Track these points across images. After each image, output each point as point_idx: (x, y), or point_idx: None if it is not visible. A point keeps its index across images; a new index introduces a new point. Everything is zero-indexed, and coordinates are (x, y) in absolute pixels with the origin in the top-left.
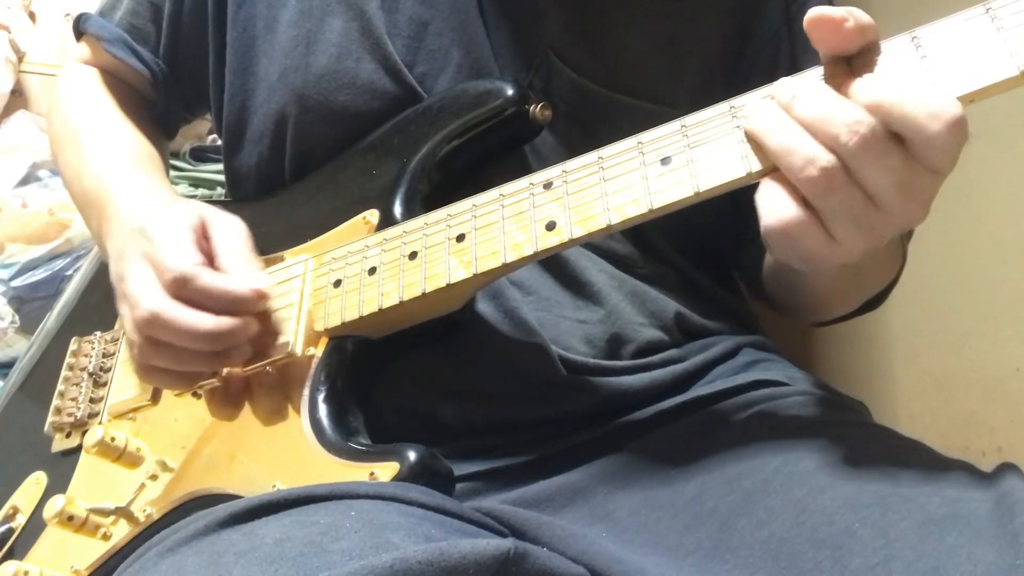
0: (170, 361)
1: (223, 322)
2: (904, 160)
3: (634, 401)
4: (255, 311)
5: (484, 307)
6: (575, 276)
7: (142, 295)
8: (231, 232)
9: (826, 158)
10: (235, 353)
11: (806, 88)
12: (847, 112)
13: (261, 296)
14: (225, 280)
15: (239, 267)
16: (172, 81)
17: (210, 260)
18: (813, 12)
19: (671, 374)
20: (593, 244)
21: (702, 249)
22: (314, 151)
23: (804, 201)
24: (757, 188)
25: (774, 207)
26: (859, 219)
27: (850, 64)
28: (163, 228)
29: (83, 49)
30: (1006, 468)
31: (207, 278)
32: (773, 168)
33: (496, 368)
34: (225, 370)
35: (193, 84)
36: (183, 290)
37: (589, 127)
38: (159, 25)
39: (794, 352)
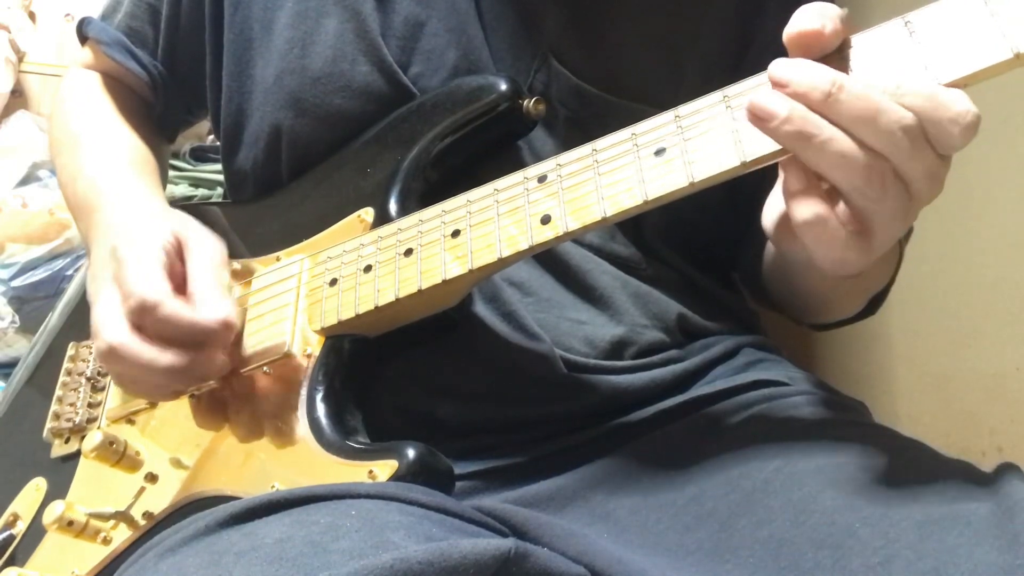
0: (144, 387)
1: (181, 359)
2: (932, 152)
3: (634, 401)
4: (222, 342)
5: (483, 308)
6: (578, 278)
7: (103, 325)
8: (205, 255)
9: (882, 163)
10: (208, 376)
11: (844, 80)
12: (893, 107)
13: (228, 327)
14: (187, 311)
15: (208, 294)
16: (171, 83)
17: (183, 282)
18: (790, 31)
19: (671, 374)
20: (595, 246)
21: (702, 250)
22: (310, 153)
23: (850, 216)
24: (757, 187)
25: (808, 219)
26: (898, 212)
27: (827, 58)
28: (133, 250)
29: (85, 53)
30: (1006, 468)
31: (169, 308)
32: (770, 158)
33: (496, 367)
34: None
35: (192, 86)
36: (144, 319)
37: (588, 130)
38: (157, 28)
39: (794, 352)
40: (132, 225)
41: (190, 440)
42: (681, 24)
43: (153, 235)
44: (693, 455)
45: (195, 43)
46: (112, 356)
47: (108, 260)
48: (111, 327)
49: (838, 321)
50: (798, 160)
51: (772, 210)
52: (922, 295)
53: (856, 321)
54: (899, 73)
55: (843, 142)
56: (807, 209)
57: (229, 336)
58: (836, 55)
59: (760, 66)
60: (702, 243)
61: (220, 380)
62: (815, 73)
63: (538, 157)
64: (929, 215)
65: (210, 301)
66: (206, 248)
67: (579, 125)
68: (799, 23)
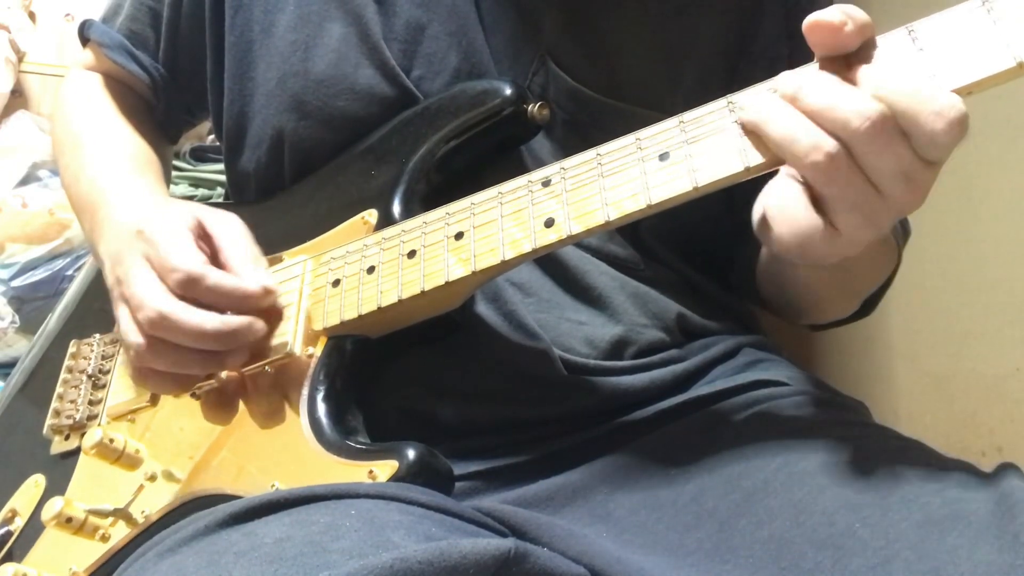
0: (171, 364)
1: (230, 321)
2: (908, 150)
3: (634, 401)
4: (262, 307)
5: (484, 309)
6: (577, 279)
7: (147, 296)
8: (231, 229)
9: (831, 143)
10: (235, 354)
11: (811, 79)
12: (856, 99)
13: (268, 292)
14: (232, 278)
15: (245, 263)
16: (172, 86)
17: (212, 259)
18: (811, 17)
19: (671, 374)
20: (593, 247)
21: (700, 251)
22: (312, 156)
23: (811, 198)
24: (755, 191)
25: (783, 205)
26: (861, 206)
27: (847, 60)
28: (162, 230)
29: (87, 55)
30: (1006, 468)
31: (215, 277)
32: (771, 163)
33: (496, 368)
34: (224, 372)
35: (193, 88)
36: (191, 290)
37: (587, 133)
38: (158, 30)
39: (794, 352)
40: (151, 211)
41: (190, 439)
42: (679, 27)
43: (177, 216)
44: (693, 455)
45: (196, 46)
46: (161, 324)
47: (134, 243)
48: (157, 298)
49: (834, 322)
50: None
51: (758, 205)
52: (922, 295)
53: (851, 322)
54: (883, 72)
55: (788, 120)
56: (777, 186)
57: (269, 301)
58: (842, 62)
59: (758, 69)
60: (700, 244)
61: (221, 380)
62: (784, 80)
63: (535, 159)
64: (929, 215)
65: (248, 269)
66: (228, 222)
67: (576, 128)
68: (822, 14)
